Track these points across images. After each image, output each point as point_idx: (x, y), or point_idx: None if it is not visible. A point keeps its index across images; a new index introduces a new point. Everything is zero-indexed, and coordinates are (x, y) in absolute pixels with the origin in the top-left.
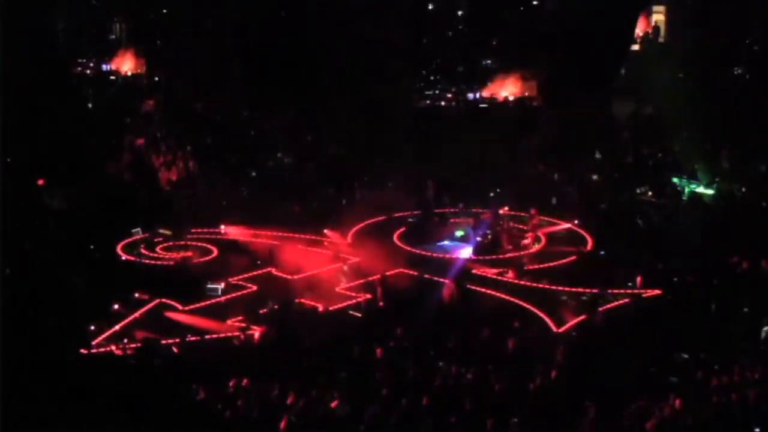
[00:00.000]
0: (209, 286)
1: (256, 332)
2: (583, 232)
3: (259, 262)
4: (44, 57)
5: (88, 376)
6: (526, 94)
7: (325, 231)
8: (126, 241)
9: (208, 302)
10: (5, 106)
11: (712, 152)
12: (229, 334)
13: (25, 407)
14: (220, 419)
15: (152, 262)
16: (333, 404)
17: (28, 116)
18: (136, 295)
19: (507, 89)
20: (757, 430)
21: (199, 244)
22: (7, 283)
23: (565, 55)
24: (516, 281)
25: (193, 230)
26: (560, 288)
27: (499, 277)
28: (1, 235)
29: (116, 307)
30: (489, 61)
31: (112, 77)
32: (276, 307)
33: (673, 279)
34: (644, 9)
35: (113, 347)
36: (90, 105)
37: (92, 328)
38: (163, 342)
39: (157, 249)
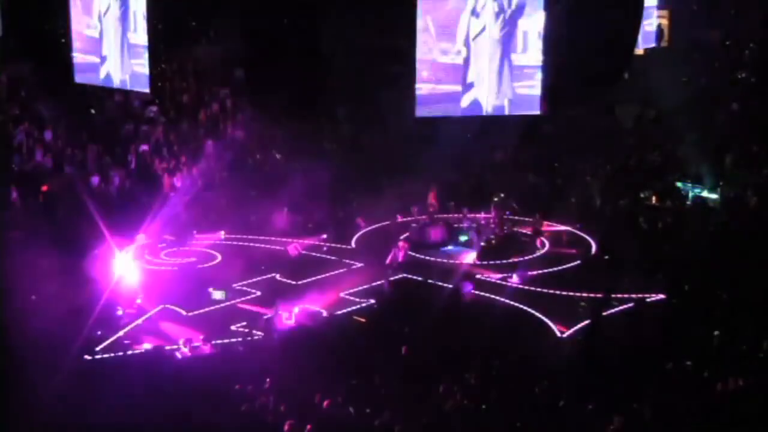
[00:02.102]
0: (212, 292)
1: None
2: (586, 237)
3: (263, 268)
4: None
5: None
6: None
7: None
8: (129, 246)
9: (211, 308)
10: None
11: (716, 156)
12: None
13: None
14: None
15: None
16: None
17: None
18: (138, 301)
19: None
20: None
21: (203, 249)
22: (9, 289)
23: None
24: (520, 286)
25: (197, 236)
26: (564, 292)
27: (504, 282)
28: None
29: (120, 313)
30: None
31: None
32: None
33: (678, 284)
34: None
35: (118, 353)
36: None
37: (97, 334)
38: (167, 348)
39: (161, 255)
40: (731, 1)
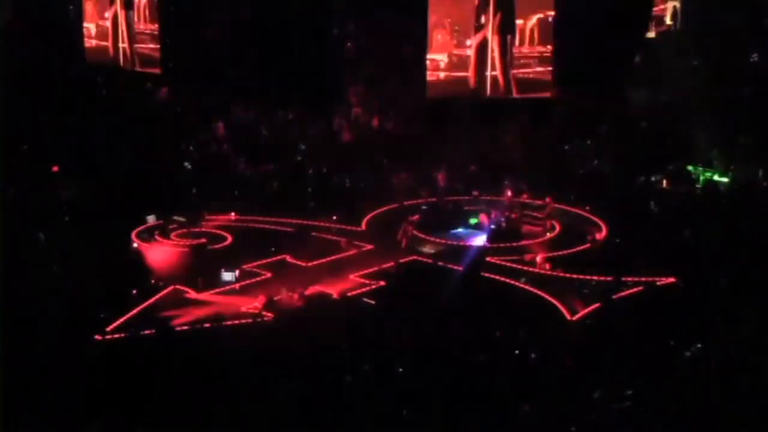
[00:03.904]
0: (223, 273)
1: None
2: (597, 220)
3: (273, 249)
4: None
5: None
6: None
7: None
8: (140, 227)
9: (222, 289)
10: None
11: (727, 139)
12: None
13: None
14: None
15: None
16: None
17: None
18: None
19: None
20: None
21: (214, 231)
22: (19, 271)
23: (580, 42)
24: (531, 269)
25: (207, 217)
26: (575, 276)
27: (514, 265)
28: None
29: (134, 292)
30: None
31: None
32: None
33: (688, 267)
34: None
35: (128, 333)
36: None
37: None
38: (177, 328)
39: (172, 236)
40: None
